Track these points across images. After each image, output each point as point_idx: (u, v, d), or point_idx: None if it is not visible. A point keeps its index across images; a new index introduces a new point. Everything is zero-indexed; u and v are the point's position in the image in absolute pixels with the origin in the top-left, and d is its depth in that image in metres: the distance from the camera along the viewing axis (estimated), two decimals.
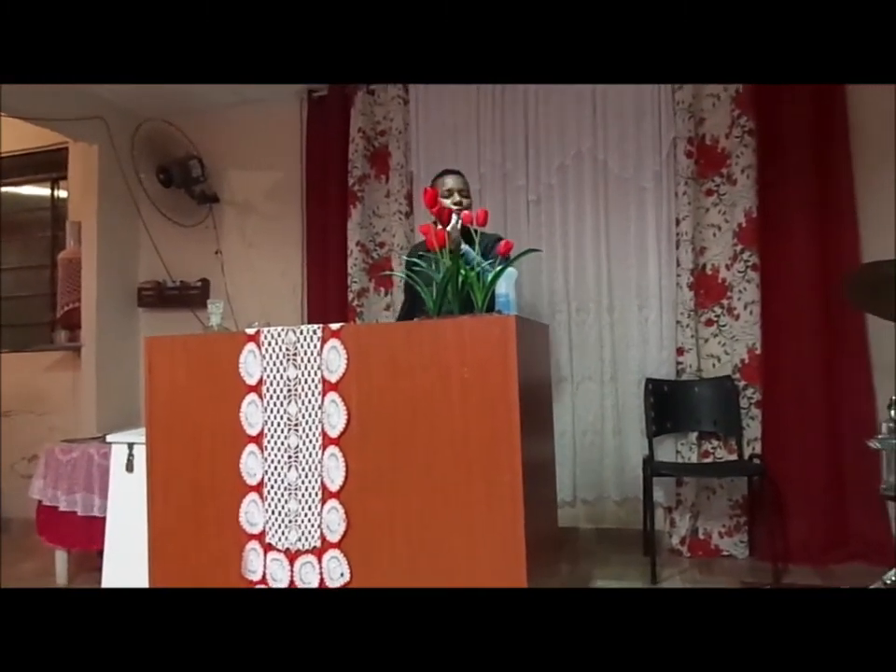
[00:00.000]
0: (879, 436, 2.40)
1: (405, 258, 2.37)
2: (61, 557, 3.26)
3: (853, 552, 3.22)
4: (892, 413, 2.48)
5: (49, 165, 4.63)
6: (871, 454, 2.54)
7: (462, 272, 1.75)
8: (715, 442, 3.44)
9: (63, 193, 4.70)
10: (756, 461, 3.28)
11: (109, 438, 2.57)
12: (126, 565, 2.37)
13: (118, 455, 2.52)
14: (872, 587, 2.40)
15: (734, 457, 3.38)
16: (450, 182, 2.87)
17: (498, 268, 1.77)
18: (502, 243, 1.85)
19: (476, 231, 1.94)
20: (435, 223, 2.03)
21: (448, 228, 2.40)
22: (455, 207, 2.74)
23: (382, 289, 3.92)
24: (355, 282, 3.87)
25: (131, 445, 2.49)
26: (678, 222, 3.46)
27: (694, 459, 3.42)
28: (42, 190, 4.79)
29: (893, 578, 2.39)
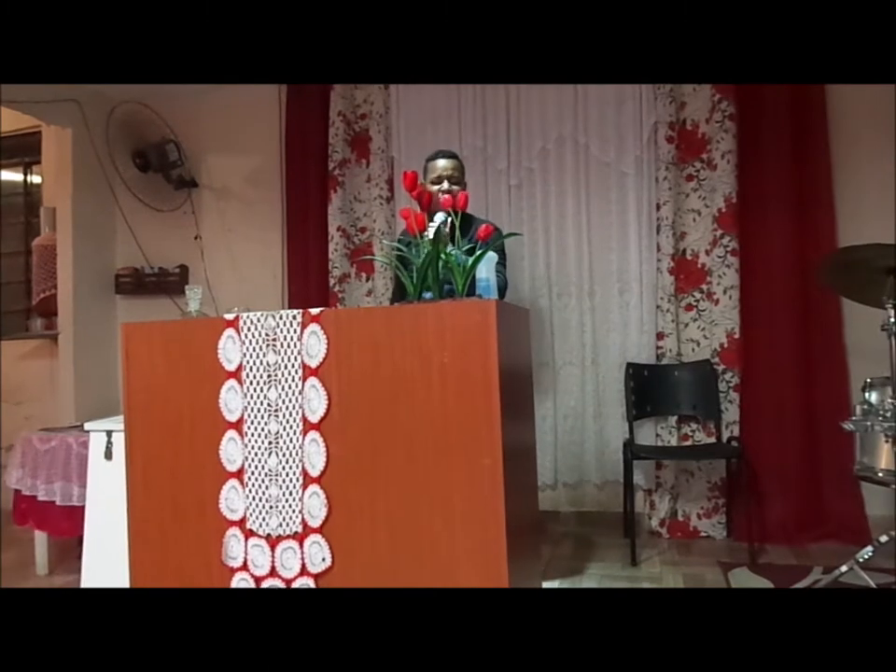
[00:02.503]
0: (853, 418, 2.44)
1: (386, 242, 2.30)
2: (41, 547, 3.23)
3: (828, 531, 3.28)
4: (866, 395, 2.52)
5: (21, 149, 4.53)
6: (845, 435, 2.58)
7: (443, 256, 1.74)
8: (694, 426, 3.48)
9: (36, 178, 4.61)
10: (734, 444, 3.33)
11: (87, 426, 2.54)
12: (106, 553, 2.36)
13: (96, 443, 2.50)
14: (844, 567, 2.46)
15: (712, 440, 3.43)
16: (440, 166, 2.68)
17: (479, 252, 1.77)
18: (482, 227, 1.84)
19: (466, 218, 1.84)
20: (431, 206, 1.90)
21: (434, 225, 2.17)
22: (442, 195, 2.54)
23: (363, 275, 3.90)
24: (336, 267, 3.85)
25: (109, 433, 2.47)
26: (658, 207, 3.47)
27: (674, 442, 3.46)
28: (14, 175, 4.70)
29: (866, 556, 2.44)
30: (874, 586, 2.33)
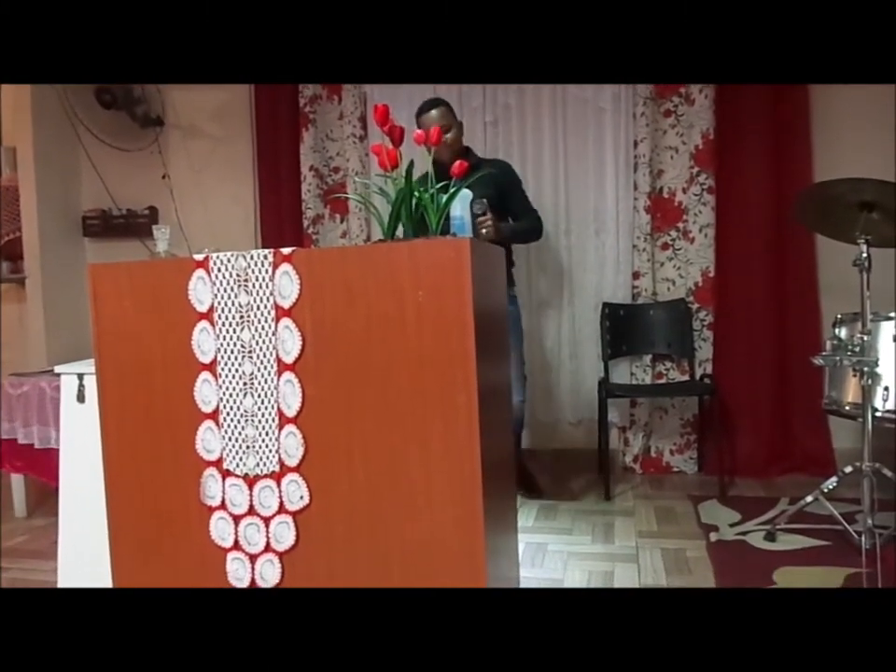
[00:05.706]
0: (823, 353, 2.49)
1: (359, 180, 2.25)
2: (18, 490, 3.23)
3: (795, 464, 3.39)
4: (836, 330, 2.57)
5: None
6: (815, 371, 2.63)
7: (416, 193, 1.71)
8: (668, 364, 3.53)
9: None
10: (707, 381, 3.39)
11: (58, 369, 2.51)
12: (83, 495, 2.36)
13: (68, 387, 2.46)
14: (809, 497, 2.54)
15: (685, 378, 3.48)
16: (426, 122, 2.83)
17: (452, 190, 1.73)
18: (456, 164, 1.80)
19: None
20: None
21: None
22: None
23: (337, 216, 3.83)
24: (309, 208, 3.78)
25: (81, 376, 2.44)
26: (635, 144, 3.43)
27: (648, 381, 3.52)
28: None
29: (830, 487, 2.53)
30: (837, 515, 2.42)
